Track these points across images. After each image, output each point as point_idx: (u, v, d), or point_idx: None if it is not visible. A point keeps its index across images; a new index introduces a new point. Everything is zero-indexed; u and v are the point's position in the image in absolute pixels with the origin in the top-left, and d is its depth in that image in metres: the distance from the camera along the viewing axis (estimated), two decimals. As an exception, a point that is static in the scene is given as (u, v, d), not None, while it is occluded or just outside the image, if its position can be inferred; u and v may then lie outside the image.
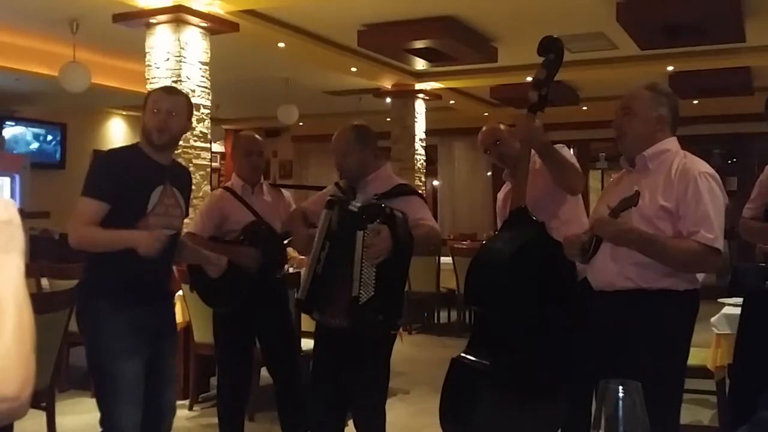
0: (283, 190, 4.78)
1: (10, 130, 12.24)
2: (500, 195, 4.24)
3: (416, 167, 11.99)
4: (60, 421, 4.53)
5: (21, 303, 1.12)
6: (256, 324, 4.42)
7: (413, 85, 11.63)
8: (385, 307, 3.52)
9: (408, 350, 7.74)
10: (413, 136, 12.07)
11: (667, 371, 3.04)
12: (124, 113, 13.96)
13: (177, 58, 7.23)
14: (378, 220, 3.43)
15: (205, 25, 7.38)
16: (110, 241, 3.26)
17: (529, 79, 3.70)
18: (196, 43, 7.38)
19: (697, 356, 4.38)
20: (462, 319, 9.55)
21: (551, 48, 3.53)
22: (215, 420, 4.64)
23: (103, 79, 9.52)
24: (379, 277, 3.44)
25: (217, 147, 16.00)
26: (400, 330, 3.89)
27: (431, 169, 14.41)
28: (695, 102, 11.92)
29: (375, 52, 9.59)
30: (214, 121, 8.32)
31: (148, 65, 7.40)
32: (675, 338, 3.11)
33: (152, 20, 7.26)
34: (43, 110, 12.30)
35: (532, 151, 3.62)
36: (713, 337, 4.53)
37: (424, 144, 12.33)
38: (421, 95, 11.95)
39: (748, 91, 11.39)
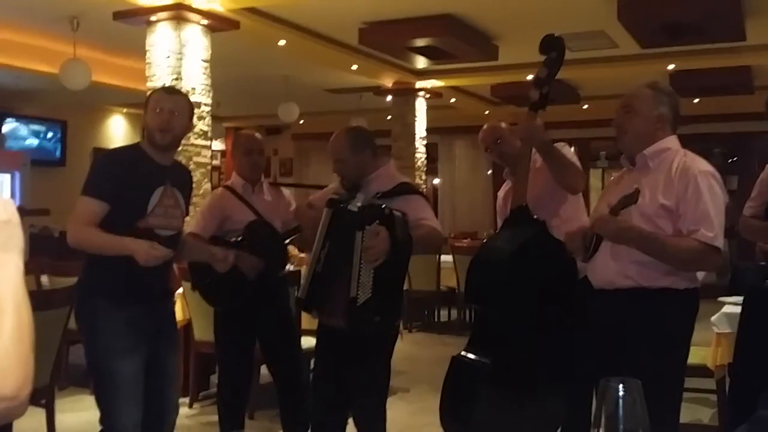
0: (282, 189, 4.78)
1: (11, 127, 12.23)
2: (500, 193, 4.24)
3: (417, 165, 11.99)
4: (60, 418, 4.53)
5: (20, 302, 1.12)
6: (256, 323, 4.42)
7: (414, 83, 11.62)
8: (383, 309, 3.51)
9: (408, 349, 7.74)
10: (414, 134, 12.07)
11: (667, 370, 3.04)
12: (124, 111, 13.96)
13: (177, 56, 7.23)
14: (377, 221, 3.42)
15: (205, 22, 7.37)
16: (110, 246, 3.25)
17: (530, 77, 3.70)
18: (196, 41, 7.38)
19: (697, 355, 4.37)
20: (462, 317, 9.56)
21: (553, 46, 3.52)
22: (215, 418, 4.64)
23: (103, 76, 9.52)
24: (377, 278, 3.43)
25: (218, 145, 16.00)
26: (401, 329, 3.89)
27: (432, 168, 14.41)
28: (696, 101, 11.91)
29: (376, 50, 9.58)
30: (215, 119, 8.32)
31: (149, 63, 7.39)
32: (675, 337, 3.11)
33: (153, 18, 7.25)
34: (44, 107, 12.29)
35: (533, 149, 3.62)
36: (713, 335, 4.53)
37: (424, 142, 12.32)
38: (421, 93, 11.95)
39: (749, 90, 11.39)
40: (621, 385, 1.21)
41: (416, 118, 12.07)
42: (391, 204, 3.56)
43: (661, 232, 3.01)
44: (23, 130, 12.50)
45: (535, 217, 3.48)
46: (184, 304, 5.77)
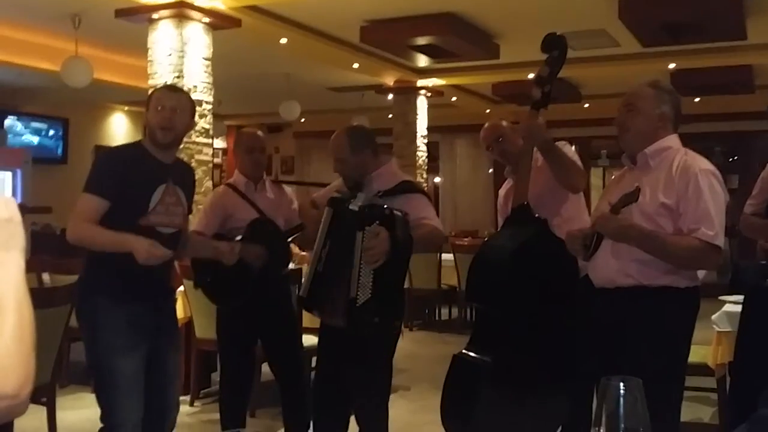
0: (285, 187, 4.78)
1: (12, 125, 12.23)
2: (502, 192, 4.24)
3: (418, 164, 11.99)
4: (61, 416, 4.54)
5: (21, 301, 1.12)
6: (258, 321, 4.42)
7: (415, 82, 11.62)
8: (382, 310, 3.51)
9: (409, 347, 7.75)
10: (415, 132, 12.07)
11: (667, 368, 3.04)
12: (125, 109, 13.96)
13: (179, 54, 7.23)
14: (377, 222, 3.41)
15: (207, 20, 7.38)
16: (110, 242, 3.25)
17: (531, 76, 3.70)
18: (198, 39, 7.38)
19: (697, 354, 4.38)
20: (463, 316, 9.56)
21: (555, 45, 3.52)
22: (216, 416, 4.64)
23: (105, 74, 9.52)
24: (377, 279, 3.42)
25: (219, 143, 16.00)
26: (401, 328, 3.89)
27: (433, 166, 14.41)
28: (696, 100, 11.91)
29: (377, 48, 9.57)
30: (216, 117, 8.32)
31: (150, 60, 7.40)
32: (676, 335, 3.11)
33: (154, 15, 7.26)
34: (45, 105, 12.29)
35: (535, 148, 3.62)
36: (714, 334, 4.53)
37: (425, 141, 12.32)
38: (423, 92, 11.95)
39: (750, 89, 11.39)
40: (622, 384, 1.22)
41: (417, 117, 12.07)
42: (392, 202, 3.56)
43: (661, 231, 3.01)
44: (25, 127, 12.49)
45: (536, 215, 3.48)
46: (185, 302, 5.78)
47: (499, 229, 3.94)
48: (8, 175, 10.87)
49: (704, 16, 7.67)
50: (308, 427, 4.45)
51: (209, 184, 7.60)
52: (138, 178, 3.35)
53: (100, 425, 3.36)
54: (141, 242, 3.17)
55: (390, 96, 12.08)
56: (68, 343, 5.89)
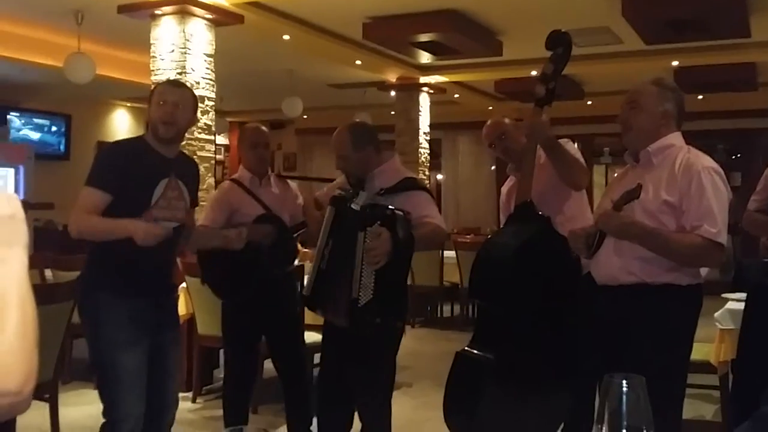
0: (289, 182, 4.78)
1: (15, 121, 12.23)
2: (504, 189, 4.23)
3: (420, 161, 11.98)
4: (63, 412, 4.55)
5: (24, 298, 1.12)
6: (263, 317, 4.43)
7: (418, 79, 11.62)
8: (384, 310, 3.51)
9: (411, 344, 7.75)
10: (417, 129, 12.06)
11: (670, 366, 3.04)
12: (128, 105, 13.95)
13: (182, 50, 7.23)
14: (378, 222, 3.41)
15: (210, 16, 7.37)
16: (109, 230, 3.26)
17: (534, 73, 3.70)
18: (201, 35, 7.38)
19: (700, 351, 4.39)
20: (465, 313, 9.56)
21: (560, 42, 3.51)
22: (218, 412, 4.65)
23: (107, 70, 9.52)
24: (379, 279, 3.42)
25: (221, 139, 16.00)
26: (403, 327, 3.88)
27: (435, 163, 14.40)
28: (700, 97, 11.89)
29: (380, 45, 9.57)
30: (219, 113, 8.33)
31: (153, 57, 7.40)
32: (678, 333, 3.11)
33: (157, 11, 7.26)
34: (48, 101, 12.29)
35: (538, 145, 3.61)
36: (716, 332, 4.53)
37: (428, 138, 12.32)
38: (425, 89, 11.94)
39: (753, 87, 11.37)
40: (624, 381, 1.22)
41: (420, 114, 12.07)
42: (394, 200, 3.55)
43: (664, 228, 3.01)
44: (27, 123, 12.50)
45: (540, 213, 3.48)
46: (187, 299, 5.78)
47: (501, 227, 3.94)
48: (11, 171, 10.88)
49: (708, 13, 7.66)
50: (311, 424, 4.46)
51: (211, 180, 7.60)
52: (140, 172, 3.35)
53: (103, 420, 3.37)
54: (137, 224, 3.18)
55: (392, 93, 12.08)
56: (71, 339, 5.90)
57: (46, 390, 4.27)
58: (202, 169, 7.12)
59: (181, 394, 5.70)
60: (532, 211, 3.47)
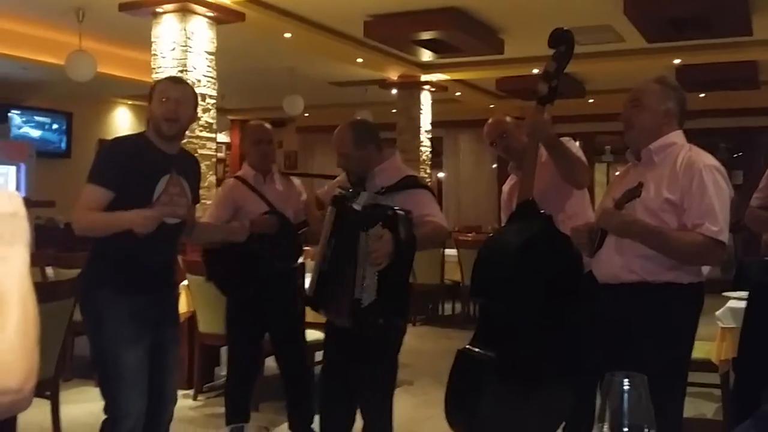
0: (293, 178, 4.79)
1: (16, 119, 12.24)
2: (505, 188, 4.23)
3: (421, 159, 11.97)
4: (64, 410, 4.55)
5: (26, 296, 1.12)
6: (267, 315, 4.43)
7: (419, 77, 11.60)
8: (387, 311, 3.51)
9: (412, 342, 7.71)
10: (419, 127, 12.05)
11: (671, 364, 3.04)
12: (129, 103, 13.95)
13: (183, 48, 7.23)
14: (380, 223, 3.40)
15: (211, 14, 7.37)
16: (110, 224, 3.27)
17: (536, 71, 3.69)
18: (202, 33, 7.37)
19: (701, 350, 4.39)
20: (466, 311, 9.56)
21: (562, 40, 3.51)
22: (219, 410, 4.65)
23: (109, 68, 9.51)
24: (381, 280, 3.42)
25: (223, 137, 16.00)
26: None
27: (436, 161, 14.39)
28: (701, 96, 11.88)
29: (381, 43, 9.56)
30: (220, 111, 8.32)
31: (154, 54, 7.39)
32: (679, 331, 3.11)
33: (158, 9, 7.25)
34: (49, 99, 12.29)
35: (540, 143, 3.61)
36: (718, 330, 4.53)
37: (429, 136, 12.30)
38: (426, 87, 11.93)
39: (755, 85, 11.36)
40: (626, 380, 1.21)
41: (421, 112, 12.06)
42: (395, 198, 3.55)
43: (665, 227, 3.01)
44: (29, 121, 12.49)
45: (542, 211, 3.47)
46: (188, 296, 5.79)
47: (503, 225, 3.94)
48: (12, 168, 10.88)
49: (710, 12, 7.66)
50: (312, 421, 4.46)
51: (213, 178, 7.60)
52: (142, 168, 3.35)
53: (104, 417, 3.37)
54: (132, 215, 3.18)
55: (394, 91, 12.07)
56: (72, 337, 5.90)
57: (48, 387, 4.27)
58: (203, 167, 7.11)
59: (182, 392, 5.73)
60: (534, 210, 3.46)
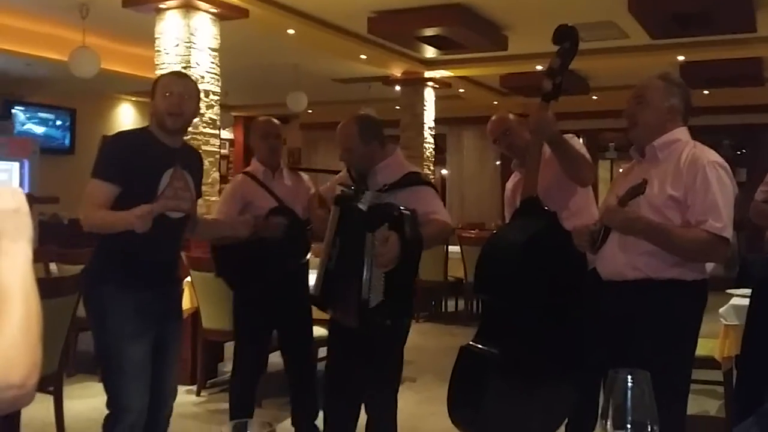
0: (302, 174, 4.80)
1: (19, 115, 12.25)
2: (509, 185, 4.22)
3: (425, 156, 11.96)
4: (68, 405, 4.56)
5: (28, 292, 1.12)
6: (276, 311, 4.43)
7: (423, 73, 11.59)
8: (394, 311, 3.51)
9: (415, 339, 7.70)
10: (422, 124, 12.04)
11: (675, 361, 3.04)
12: (133, 99, 13.96)
13: (186, 44, 7.22)
14: (387, 224, 3.38)
15: (214, 11, 7.36)
16: (112, 223, 3.28)
17: (540, 67, 3.69)
18: (205, 29, 7.37)
19: (704, 347, 4.38)
20: (469, 308, 9.56)
21: (566, 36, 3.50)
22: (222, 406, 4.66)
23: (112, 64, 9.52)
24: (388, 281, 3.41)
25: (226, 134, 16.00)
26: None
27: (440, 158, 14.39)
28: (706, 92, 11.86)
29: (385, 40, 9.56)
30: (223, 107, 8.31)
31: (158, 51, 7.39)
32: (683, 328, 3.10)
33: (162, 6, 7.25)
34: (53, 95, 12.30)
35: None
36: (721, 327, 4.53)
37: (433, 132, 12.29)
38: (430, 83, 11.91)
39: (759, 82, 11.35)
40: (629, 376, 1.21)
41: (425, 109, 12.04)
42: (398, 196, 3.53)
43: (669, 223, 3.00)
44: (32, 117, 12.51)
45: (546, 208, 3.47)
46: (192, 293, 5.79)
47: (507, 222, 3.93)
48: (15, 165, 10.87)
49: (714, 8, 7.64)
50: (316, 417, 4.46)
51: (216, 175, 7.59)
52: (145, 162, 3.36)
53: (107, 412, 3.38)
54: (130, 216, 3.17)
55: (397, 87, 12.06)
56: (76, 333, 5.91)
57: (51, 382, 4.28)
58: (206, 163, 7.13)
59: (185, 388, 5.75)
60: (538, 207, 3.46)
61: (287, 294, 4.40)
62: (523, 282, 3.29)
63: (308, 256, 4.65)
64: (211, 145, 7.48)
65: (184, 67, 7.12)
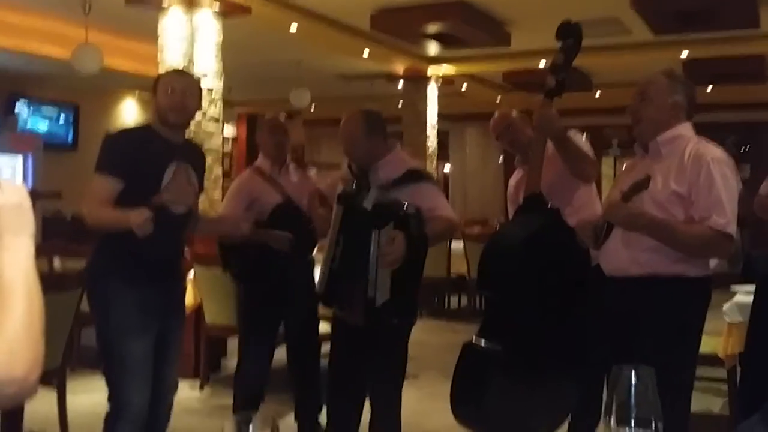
0: (308, 169, 4.82)
1: (23, 111, 12.25)
2: (512, 181, 4.22)
3: (428, 152, 11.95)
4: (71, 400, 4.57)
5: (31, 286, 1.12)
6: (283, 306, 4.44)
7: (426, 70, 11.58)
8: (400, 310, 3.50)
9: (418, 335, 7.68)
10: (425, 121, 12.02)
11: (678, 358, 3.04)
12: (136, 95, 13.96)
13: (189, 41, 7.22)
14: (392, 223, 3.37)
15: (217, 7, 7.36)
16: (113, 222, 3.29)
17: (543, 64, 3.68)
18: (208, 26, 7.36)
19: (708, 344, 4.36)
20: (472, 304, 9.55)
21: (570, 33, 3.49)
22: (225, 400, 4.66)
23: (115, 61, 9.51)
24: (394, 280, 3.41)
25: (229, 131, 16.00)
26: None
27: (443, 155, 14.37)
28: (709, 89, 11.84)
29: (388, 36, 9.55)
30: (226, 104, 8.31)
31: (161, 47, 7.38)
32: (687, 325, 3.10)
33: (165, 2, 7.24)
34: (56, 91, 12.30)
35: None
36: (725, 325, 4.52)
37: (435, 129, 12.28)
38: (433, 80, 11.90)
39: (762, 79, 11.32)
40: (633, 373, 1.21)
41: (428, 105, 12.03)
42: (401, 193, 3.52)
43: (672, 219, 3.00)
44: (36, 113, 12.51)
45: (548, 204, 3.47)
46: (194, 288, 5.80)
47: (510, 218, 3.93)
48: (19, 160, 10.90)
49: (717, 4, 7.63)
50: (320, 413, 4.46)
51: (219, 171, 7.59)
52: (148, 157, 3.37)
53: (108, 407, 3.38)
54: (131, 217, 3.16)
55: (400, 84, 12.04)
56: (79, 327, 5.91)
57: (54, 377, 4.29)
58: (209, 160, 7.13)
59: (188, 382, 5.75)
60: (541, 203, 3.46)
61: (295, 289, 4.41)
62: (526, 278, 3.29)
63: (314, 252, 4.66)
64: (214, 142, 7.48)
65: (187, 64, 7.12)
